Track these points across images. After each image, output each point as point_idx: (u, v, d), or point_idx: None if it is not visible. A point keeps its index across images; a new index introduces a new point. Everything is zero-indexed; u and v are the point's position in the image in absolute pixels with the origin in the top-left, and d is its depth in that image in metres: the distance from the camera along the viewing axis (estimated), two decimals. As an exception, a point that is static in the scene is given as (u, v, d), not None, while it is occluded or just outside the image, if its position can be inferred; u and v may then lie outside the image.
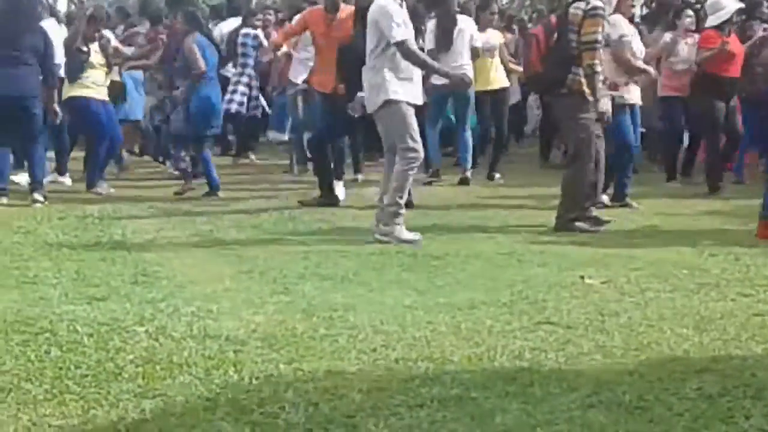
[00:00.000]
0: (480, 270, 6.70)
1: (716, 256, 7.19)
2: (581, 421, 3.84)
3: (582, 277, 6.37)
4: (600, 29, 8.17)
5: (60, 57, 10.03)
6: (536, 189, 9.34)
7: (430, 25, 11.14)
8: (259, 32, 12.83)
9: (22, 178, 10.18)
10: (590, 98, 8.12)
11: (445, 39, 11.04)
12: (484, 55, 11.60)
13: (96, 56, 10.33)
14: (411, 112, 7.68)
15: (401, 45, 7.61)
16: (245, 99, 12.55)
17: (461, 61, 10.99)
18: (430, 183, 11.20)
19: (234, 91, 12.52)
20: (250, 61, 12.64)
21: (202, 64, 9.95)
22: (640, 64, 9.54)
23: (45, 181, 9.93)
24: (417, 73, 7.85)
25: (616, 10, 9.23)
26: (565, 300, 5.79)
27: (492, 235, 8.09)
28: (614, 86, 9.12)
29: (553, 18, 8.71)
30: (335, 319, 5.29)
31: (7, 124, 9.35)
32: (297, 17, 10.76)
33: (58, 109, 9.81)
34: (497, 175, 11.92)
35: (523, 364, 4.56)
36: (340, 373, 4.40)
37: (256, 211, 9.17)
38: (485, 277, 6.47)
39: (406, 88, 7.72)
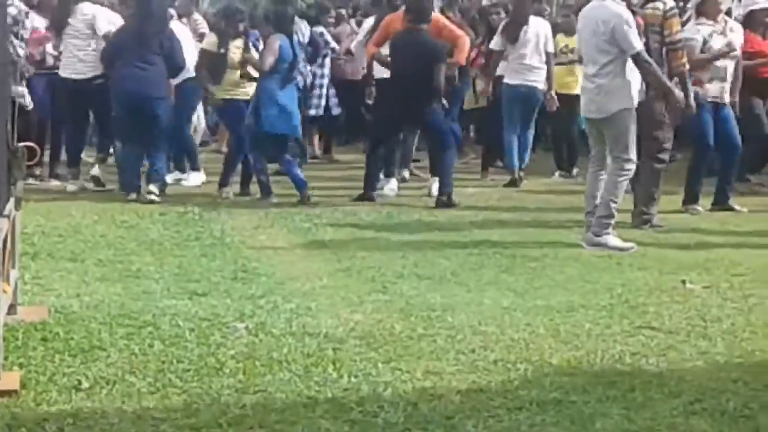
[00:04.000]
0: (578, 272, 6.65)
1: (822, 262, 7.03)
2: (684, 428, 3.80)
3: (683, 282, 6.29)
4: (680, 28, 8.40)
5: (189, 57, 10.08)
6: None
7: (502, 23, 11.28)
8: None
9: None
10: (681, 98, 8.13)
11: (512, 31, 11.03)
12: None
13: (236, 53, 9.87)
14: (635, 122, 7.63)
15: (639, 54, 7.56)
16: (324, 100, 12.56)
17: (529, 61, 11.00)
18: (513, 184, 11.10)
19: (320, 96, 12.62)
20: (326, 61, 12.63)
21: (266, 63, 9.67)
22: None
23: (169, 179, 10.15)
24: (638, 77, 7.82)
25: (701, 13, 9.13)
26: (665, 304, 5.72)
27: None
28: (698, 82, 9.06)
29: (640, 19, 8.58)
30: (433, 319, 5.30)
31: (133, 125, 9.52)
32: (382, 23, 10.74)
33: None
34: (575, 171, 11.82)
35: (623, 369, 4.53)
36: (438, 374, 4.41)
37: (352, 209, 9.21)
38: (584, 279, 6.42)
39: (635, 95, 7.69)
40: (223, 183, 9.95)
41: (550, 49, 11.24)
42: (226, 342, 4.81)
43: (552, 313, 5.46)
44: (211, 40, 10.04)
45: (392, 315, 5.37)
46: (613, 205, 7.53)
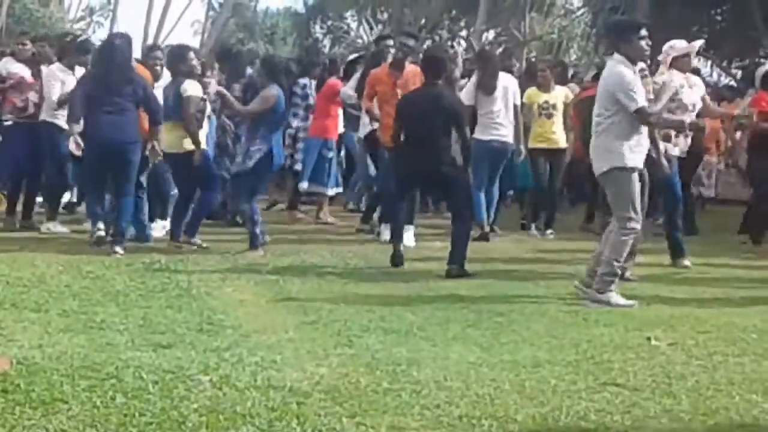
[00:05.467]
0: (545, 328, 6.66)
1: (786, 320, 7.07)
2: (647, 487, 3.78)
3: (648, 339, 6.30)
4: (650, 89, 8.68)
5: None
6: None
7: (473, 77, 11.43)
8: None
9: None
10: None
11: (488, 83, 11.20)
12: (540, 115, 11.77)
13: (204, 104, 9.97)
14: (636, 181, 7.63)
15: (639, 111, 7.55)
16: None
17: (499, 117, 11.21)
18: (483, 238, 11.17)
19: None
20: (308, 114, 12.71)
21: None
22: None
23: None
24: (645, 139, 7.80)
25: (674, 66, 9.30)
26: (631, 361, 5.72)
27: (557, 293, 8.04)
28: (667, 137, 9.30)
29: None
30: (399, 373, 5.27)
31: (106, 171, 9.48)
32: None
33: (158, 148, 9.69)
34: (549, 231, 11.93)
35: (588, 426, 4.52)
36: (403, 429, 4.38)
37: (320, 262, 9.20)
38: (550, 335, 6.42)
39: (636, 155, 7.65)
40: (176, 235, 9.85)
41: (518, 101, 11.40)
42: (189, 395, 4.76)
43: (518, 369, 5.45)
44: (196, 86, 9.81)
45: (358, 369, 5.34)
46: (616, 263, 7.57)
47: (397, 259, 9.14)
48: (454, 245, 8.95)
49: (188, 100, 9.62)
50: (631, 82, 7.57)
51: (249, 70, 12.20)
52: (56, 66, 10.85)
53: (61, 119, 10.59)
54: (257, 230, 9.74)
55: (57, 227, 10.81)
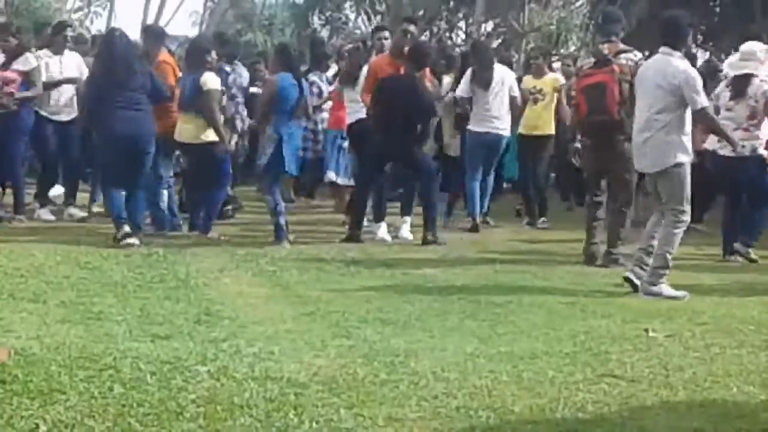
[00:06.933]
0: (542, 319, 6.66)
1: (784, 312, 7.08)
2: (644, 478, 3.79)
3: (646, 330, 6.31)
4: None
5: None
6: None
7: (468, 71, 11.35)
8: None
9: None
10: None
11: (483, 76, 11.18)
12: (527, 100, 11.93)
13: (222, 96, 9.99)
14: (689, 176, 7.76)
15: (703, 111, 7.65)
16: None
17: (495, 109, 11.19)
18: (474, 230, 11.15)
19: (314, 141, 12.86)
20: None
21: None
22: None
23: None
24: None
25: None
26: (628, 353, 5.73)
27: (554, 284, 8.05)
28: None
29: (617, 67, 8.76)
30: (396, 364, 5.27)
31: (122, 165, 9.35)
32: (365, 71, 10.79)
33: None
34: (542, 220, 11.94)
35: (585, 417, 4.52)
36: (400, 420, 4.38)
37: (318, 253, 9.20)
38: (547, 326, 6.43)
39: (690, 148, 7.75)
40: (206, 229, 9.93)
41: (516, 92, 11.40)
42: (187, 386, 4.76)
43: (515, 360, 5.46)
44: (215, 79, 9.74)
45: (355, 360, 5.34)
46: (668, 256, 7.62)
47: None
48: (426, 218, 10.03)
49: (209, 95, 9.60)
50: (698, 80, 7.63)
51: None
52: (42, 53, 11.01)
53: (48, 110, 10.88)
54: (281, 221, 9.62)
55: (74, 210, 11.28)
